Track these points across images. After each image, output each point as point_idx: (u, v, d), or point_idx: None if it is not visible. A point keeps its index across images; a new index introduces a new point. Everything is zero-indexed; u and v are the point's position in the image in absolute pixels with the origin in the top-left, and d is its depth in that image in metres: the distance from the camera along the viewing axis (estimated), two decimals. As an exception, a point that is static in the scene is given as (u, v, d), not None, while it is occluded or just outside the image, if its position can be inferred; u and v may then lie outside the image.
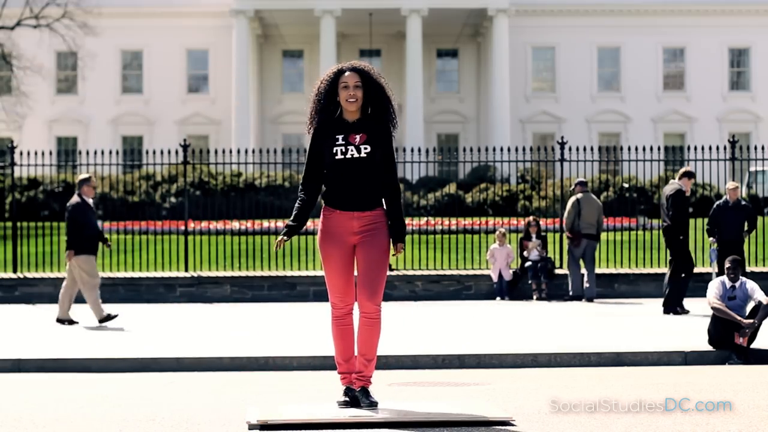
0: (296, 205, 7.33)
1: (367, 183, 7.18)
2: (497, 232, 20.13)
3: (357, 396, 7.34)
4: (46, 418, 7.69)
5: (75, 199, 15.37)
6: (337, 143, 7.16)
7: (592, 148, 22.57)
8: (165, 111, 54.35)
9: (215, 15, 53.59)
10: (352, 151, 7.14)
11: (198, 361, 11.44)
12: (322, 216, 7.29)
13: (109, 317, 15.04)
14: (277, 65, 56.69)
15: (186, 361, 11.44)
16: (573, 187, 19.70)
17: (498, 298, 19.14)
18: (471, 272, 19.83)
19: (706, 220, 18.40)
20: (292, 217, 7.31)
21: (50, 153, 24.54)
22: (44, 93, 52.77)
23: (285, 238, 7.21)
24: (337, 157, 7.14)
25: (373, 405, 7.28)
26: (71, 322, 15.33)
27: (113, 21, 52.63)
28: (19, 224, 21.29)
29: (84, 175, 15.47)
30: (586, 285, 18.78)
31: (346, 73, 7.22)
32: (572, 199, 19.32)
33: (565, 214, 19.16)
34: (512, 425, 7.03)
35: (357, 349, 7.35)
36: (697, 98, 54.89)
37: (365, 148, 7.15)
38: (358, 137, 7.18)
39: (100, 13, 50.09)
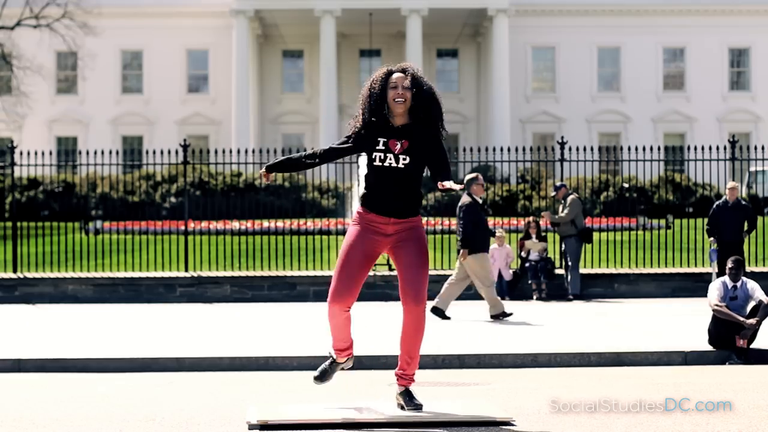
0: (296, 157, 7.37)
1: (405, 192, 7.12)
2: (495, 233, 20.13)
3: (343, 367, 7.48)
4: (46, 418, 7.69)
5: (466, 198, 15.44)
6: (377, 148, 7.09)
7: (592, 148, 22.56)
8: (165, 111, 54.36)
9: (215, 15, 53.59)
10: (390, 160, 7.07)
11: (198, 361, 11.43)
12: (356, 214, 7.24)
13: (504, 315, 15.35)
14: (277, 65, 56.69)
15: (186, 361, 11.43)
16: (557, 191, 19.59)
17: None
18: (471, 272, 19.78)
19: (705, 221, 18.42)
20: (278, 161, 7.41)
21: (50, 153, 24.51)
22: (44, 93, 52.78)
23: (265, 172, 7.33)
24: (375, 164, 7.11)
25: (417, 407, 7.20)
26: (445, 317, 15.44)
27: (113, 21, 52.65)
28: (19, 224, 21.28)
29: (471, 175, 15.67)
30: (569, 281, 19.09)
31: (396, 74, 7.18)
32: (574, 197, 19.34)
33: (571, 213, 19.12)
34: (512, 425, 7.02)
35: (401, 348, 7.29)
36: (697, 98, 54.90)
37: (404, 159, 7.07)
38: (399, 145, 7.08)
39: (100, 13, 50.11)
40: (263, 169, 7.35)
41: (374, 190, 7.15)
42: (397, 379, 7.35)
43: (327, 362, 7.54)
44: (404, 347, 7.26)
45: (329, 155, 7.30)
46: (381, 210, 7.13)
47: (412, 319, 7.16)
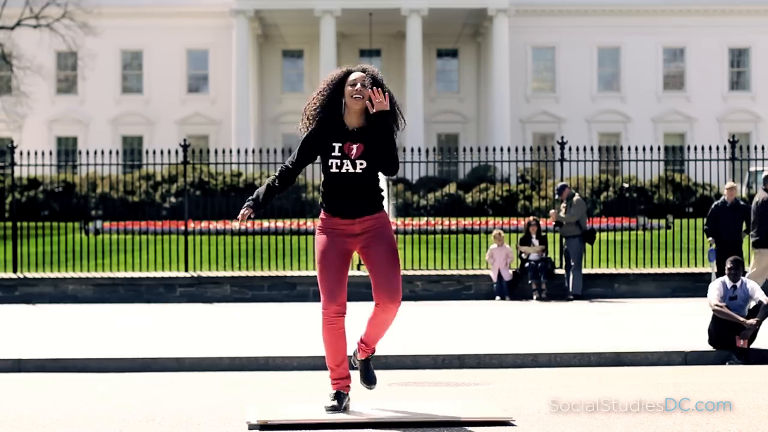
0: (266, 185, 7.18)
1: (365, 193, 7.09)
2: (494, 233, 20.15)
3: (347, 404, 7.21)
4: (46, 418, 7.69)
5: (763, 194, 16.23)
6: (333, 155, 7.01)
7: (592, 148, 22.57)
8: (165, 111, 54.36)
9: (215, 15, 53.60)
10: (347, 165, 7.00)
11: (198, 361, 11.44)
12: (320, 221, 7.23)
13: None
14: (277, 65, 56.69)
15: (186, 361, 11.44)
16: (559, 193, 19.62)
17: (498, 298, 19.14)
18: (471, 272, 19.82)
19: (704, 220, 18.42)
20: (255, 196, 7.16)
21: (50, 153, 24.52)
22: (44, 93, 52.77)
23: (248, 212, 7.09)
24: (332, 171, 7.04)
25: (371, 383, 7.40)
26: None
27: (113, 21, 52.65)
28: (19, 224, 21.28)
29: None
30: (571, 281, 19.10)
31: (355, 73, 7.09)
32: (580, 198, 19.41)
33: (576, 214, 19.15)
34: (512, 425, 7.02)
35: (366, 329, 7.34)
36: (697, 98, 54.90)
37: (361, 164, 7.01)
38: (354, 148, 7.01)
39: (100, 13, 50.10)
40: (248, 209, 7.09)
41: (334, 196, 7.10)
42: (359, 347, 7.44)
43: (335, 400, 7.21)
44: (371, 331, 7.35)
45: (288, 177, 7.16)
46: (343, 214, 7.11)
47: (386, 316, 7.22)
